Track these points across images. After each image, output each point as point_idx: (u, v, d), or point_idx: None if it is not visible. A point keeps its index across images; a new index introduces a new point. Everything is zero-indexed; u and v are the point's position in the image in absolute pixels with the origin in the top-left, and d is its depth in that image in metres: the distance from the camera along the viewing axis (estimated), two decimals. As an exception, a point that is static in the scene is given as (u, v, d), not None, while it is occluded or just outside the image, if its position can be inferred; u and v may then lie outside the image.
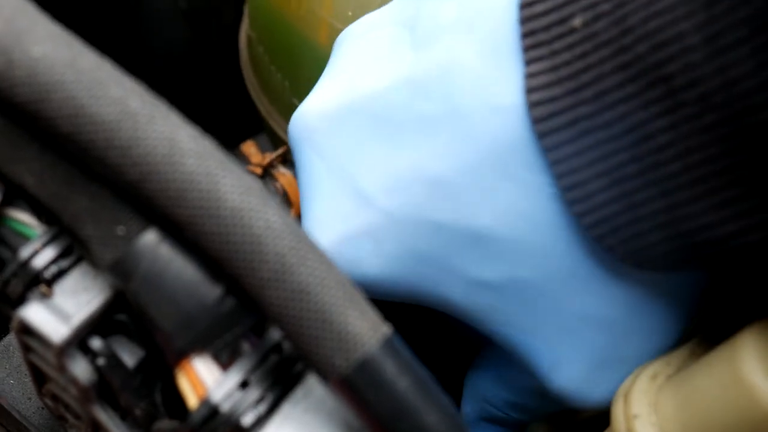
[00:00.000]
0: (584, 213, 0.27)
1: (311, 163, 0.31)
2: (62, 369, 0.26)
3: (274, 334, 0.25)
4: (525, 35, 0.27)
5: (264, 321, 0.25)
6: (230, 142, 0.44)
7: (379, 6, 0.42)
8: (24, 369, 0.35)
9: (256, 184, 0.23)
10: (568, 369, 0.30)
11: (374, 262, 0.30)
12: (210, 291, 0.24)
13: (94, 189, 0.24)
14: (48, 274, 0.26)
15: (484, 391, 0.35)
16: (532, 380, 0.31)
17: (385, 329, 0.23)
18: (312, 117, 0.32)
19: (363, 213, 0.29)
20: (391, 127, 0.29)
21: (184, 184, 0.22)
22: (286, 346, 0.25)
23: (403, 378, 0.22)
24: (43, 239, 0.26)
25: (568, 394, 0.30)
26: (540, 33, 0.26)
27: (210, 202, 0.22)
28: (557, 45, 0.26)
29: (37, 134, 0.24)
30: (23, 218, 0.26)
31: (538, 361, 0.30)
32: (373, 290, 0.29)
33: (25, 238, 0.26)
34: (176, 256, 0.24)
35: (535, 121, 0.26)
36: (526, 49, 0.27)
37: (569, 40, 0.26)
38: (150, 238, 0.24)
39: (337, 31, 0.44)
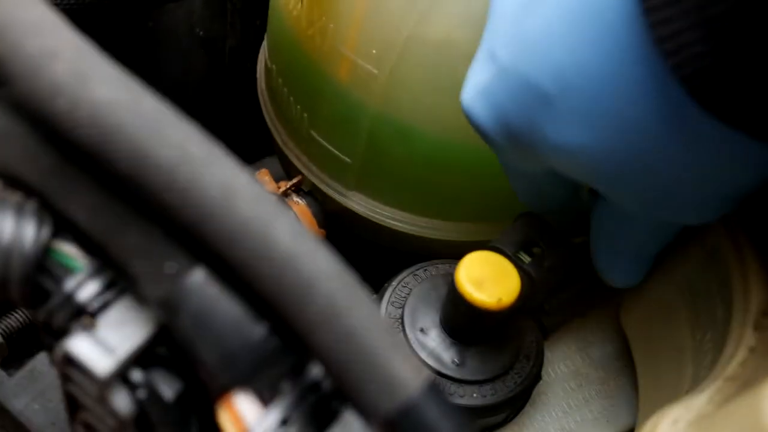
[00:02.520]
0: (679, 63, 0.27)
1: (486, 28, 0.36)
2: (103, 401, 0.26)
3: (314, 372, 0.26)
4: None
5: (304, 359, 0.26)
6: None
7: (403, 45, 0.43)
8: (48, 394, 0.36)
9: (306, 229, 0.24)
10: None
11: (489, 110, 0.35)
12: (255, 330, 0.24)
13: (144, 226, 0.25)
14: (92, 306, 0.26)
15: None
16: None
17: (427, 374, 0.23)
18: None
19: (488, 67, 0.35)
20: None
21: (238, 227, 0.23)
22: (325, 384, 0.26)
23: (445, 423, 0.23)
24: (88, 272, 0.26)
25: None
26: None
27: (262, 246, 0.23)
28: None
29: (92, 171, 0.25)
30: (69, 251, 0.27)
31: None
32: (495, 140, 0.36)
33: (70, 271, 0.27)
34: (223, 295, 0.24)
35: None
36: None
37: None
38: (198, 276, 0.24)
39: (359, 69, 0.45)
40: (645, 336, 0.47)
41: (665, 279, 0.45)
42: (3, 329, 0.44)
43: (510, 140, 0.35)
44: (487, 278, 0.39)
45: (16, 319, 0.45)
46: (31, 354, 0.36)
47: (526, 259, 0.41)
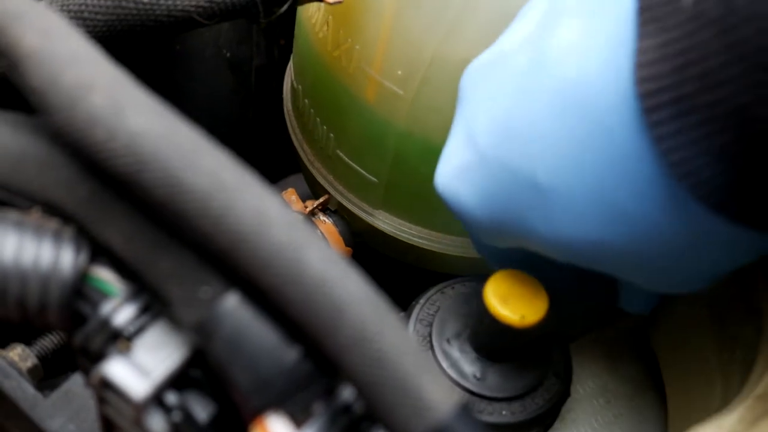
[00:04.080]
0: (694, 186, 0.27)
1: (457, 109, 0.36)
2: (138, 423, 0.27)
3: (345, 394, 0.26)
4: (642, 10, 0.27)
5: (336, 381, 0.26)
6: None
7: (428, 66, 0.44)
8: (83, 414, 0.36)
9: (337, 254, 0.24)
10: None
11: (470, 194, 0.34)
12: (288, 354, 0.25)
13: (178, 251, 0.25)
14: (128, 330, 0.27)
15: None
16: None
17: (458, 395, 0.24)
18: (467, 73, 0.37)
19: (467, 151, 0.34)
20: (506, 81, 0.33)
21: (271, 254, 0.23)
22: (356, 406, 0.26)
23: (476, 444, 0.23)
24: (124, 296, 0.27)
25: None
26: (655, 8, 0.27)
27: (295, 271, 0.23)
28: (669, 22, 0.26)
29: (127, 198, 0.25)
30: (105, 276, 0.27)
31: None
32: (475, 224, 0.35)
33: (106, 295, 0.27)
34: (256, 319, 0.25)
35: (642, 96, 0.27)
36: (640, 24, 0.27)
37: (680, 17, 0.26)
38: (232, 301, 0.25)
39: (385, 90, 0.46)
40: (674, 353, 0.47)
41: (692, 297, 0.45)
42: (38, 351, 0.45)
43: (492, 225, 0.35)
44: (515, 295, 0.39)
45: (50, 340, 0.46)
46: (66, 375, 0.37)
47: None
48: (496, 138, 0.33)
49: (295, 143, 0.57)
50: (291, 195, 0.59)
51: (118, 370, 0.26)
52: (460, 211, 0.36)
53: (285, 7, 0.41)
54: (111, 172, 0.24)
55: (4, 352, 0.44)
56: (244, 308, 0.25)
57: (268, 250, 0.23)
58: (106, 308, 0.27)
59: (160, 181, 0.23)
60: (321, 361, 0.25)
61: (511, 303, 0.38)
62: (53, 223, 0.27)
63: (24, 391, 0.37)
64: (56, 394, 0.36)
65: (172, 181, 0.23)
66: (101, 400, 0.28)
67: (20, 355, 0.43)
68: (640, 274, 0.34)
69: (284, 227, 0.24)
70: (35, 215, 0.27)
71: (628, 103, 0.28)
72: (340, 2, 0.44)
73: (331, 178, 0.54)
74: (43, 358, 0.45)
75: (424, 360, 0.24)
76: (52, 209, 0.27)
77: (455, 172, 0.35)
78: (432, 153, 0.47)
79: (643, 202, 0.29)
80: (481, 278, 0.40)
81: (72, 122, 0.24)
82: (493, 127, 0.33)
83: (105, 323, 0.27)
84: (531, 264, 0.40)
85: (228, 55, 0.64)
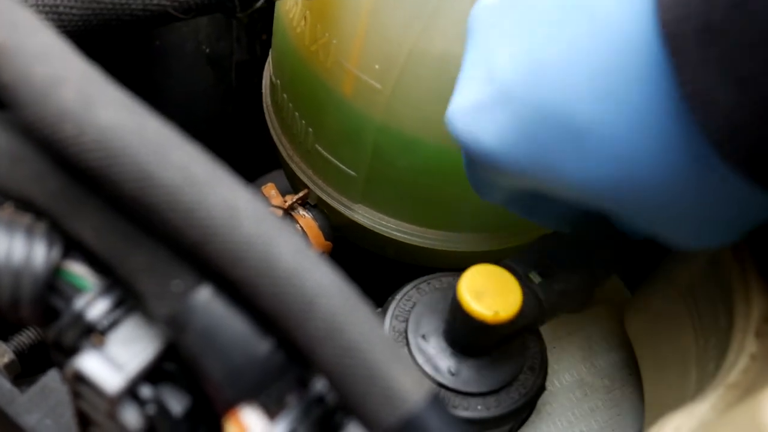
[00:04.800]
0: (708, 120, 0.27)
1: (469, 50, 0.35)
2: (113, 417, 0.27)
3: (318, 385, 0.26)
4: None
5: (309, 373, 0.26)
6: (247, 178, 0.45)
7: (405, 60, 0.44)
8: (60, 409, 0.36)
9: (308, 246, 0.24)
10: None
11: (490, 133, 0.33)
12: (260, 345, 0.25)
13: (150, 245, 0.26)
14: (101, 324, 0.27)
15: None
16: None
17: (428, 385, 0.24)
18: (477, 13, 0.35)
19: (487, 88, 0.33)
20: (532, 17, 0.32)
21: (242, 246, 0.24)
22: (329, 397, 0.26)
23: (446, 432, 0.23)
24: (97, 291, 0.27)
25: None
26: None
27: (265, 263, 0.24)
28: None
29: (99, 192, 0.25)
30: (78, 270, 0.27)
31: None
32: (492, 163, 0.34)
33: (79, 290, 0.27)
34: (229, 312, 0.25)
35: (664, 25, 0.27)
36: None
37: None
38: (204, 294, 0.25)
39: (362, 84, 0.46)
40: (650, 343, 0.48)
41: (668, 286, 0.46)
42: (15, 346, 0.45)
43: (511, 165, 0.34)
44: (489, 291, 0.39)
45: (27, 336, 0.46)
46: (42, 370, 0.37)
47: (536, 279, 0.42)
48: (524, 76, 0.31)
49: (275, 138, 0.57)
50: (271, 190, 0.59)
51: (91, 364, 0.26)
52: (476, 150, 0.34)
53: (261, 2, 0.41)
54: (82, 167, 0.24)
55: (-19, 348, 0.44)
56: (216, 301, 0.25)
57: (239, 243, 0.23)
58: (79, 303, 0.27)
59: (130, 175, 0.24)
60: (293, 353, 0.25)
61: (485, 299, 0.39)
62: (26, 218, 0.27)
63: (1, 387, 0.37)
64: (33, 390, 0.36)
65: (142, 175, 0.23)
66: (76, 395, 0.28)
67: (-3, 350, 0.43)
68: (654, 222, 0.33)
69: (255, 220, 0.24)
70: (7, 210, 0.27)
71: (653, 30, 0.27)
72: (316, -4, 0.44)
73: (310, 172, 0.55)
74: (19, 354, 0.45)
75: (395, 351, 0.24)
76: (24, 204, 0.27)
77: (472, 111, 0.33)
78: (410, 146, 0.48)
79: (663, 141, 0.29)
80: (457, 274, 0.40)
81: (42, 117, 0.24)
82: (520, 64, 0.31)
83: (78, 317, 0.27)
84: (531, 206, 0.40)
85: (207, 50, 0.64)
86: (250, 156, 0.67)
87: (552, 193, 0.34)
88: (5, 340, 0.45)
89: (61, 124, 0.24)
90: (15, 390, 0.36)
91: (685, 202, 0.31)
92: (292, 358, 0.25)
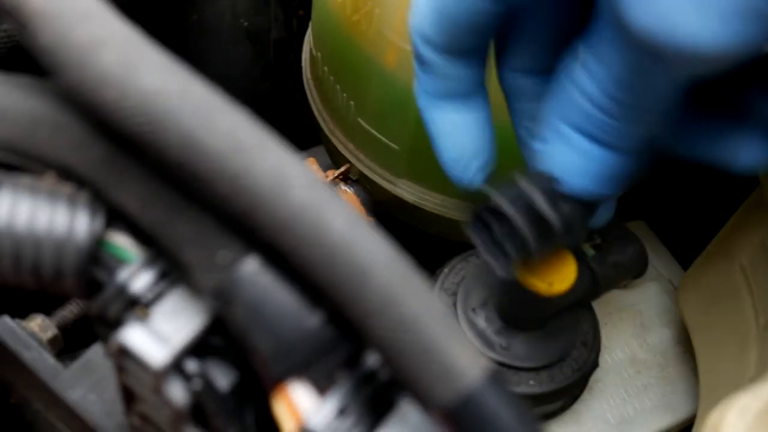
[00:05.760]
0: None
1: None
2: (158, 391, 0.26)
3: (370, 360, 0.25)
4: None
5: (360, 347, 0.25)
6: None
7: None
8: (103, 385, 0.36)
9: (361, 216, 0.23)
10: None
11: (704, 18, 0.26)
12: (310, 319, 0.24)
13: (196, 214, 0.25)
14: (146, 297, 0.26)
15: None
16: None
17: (485, 362, 0.23)
18: None
19: None
20: None
21: (291, 215, 0.22)
22: (381, 373, 0.25)
23: (505, 411, 0.22)
24: (141, 262, 0.26)
25: None
26: None
27: (316, 233, 0.22)
28: None
29: (143, 160, 0.25)
30: (121, 242, 0.27)
31: None
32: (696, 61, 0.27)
33: (123, 262, 0.27)
34: (277, 284, 0.24)
35: None
36: None
37: None
38: (252, 265, 0.24)
39: (406, 54, 0.45)
40: (704, 320, 0.46)
41: (724, 262, 0.44)
42: (58, 321, 0.45)
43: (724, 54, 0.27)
44: (543, 263, 0.38)
45: (70, 311, 0.46)
46: (86, 345, 0.37)
47: (590, 252, 0.40)
48: None
49: (315, 112, 0.57)
50: (312, 164, 0.58)
51: (136, 337, 0.25)
52: (678, 44, 0.27)
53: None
54: (124, 133, 0.23)
55: (24, 323, 0.43)
56: (265, 272, 0.24)
57: (289, 211, 0.22)
58: (122, 275, 0.26)
59: (174, 142, 0.23)
60: (345, 327, 0.24)
61: (539, 270, 0.37)
62: (67, 188, 0.26)
63: (44, 362, 0.36)
64: (76, 365, 0.36)
65: (187, 141, 0.23)
66: (120, 369, 0.27)
67: (40, 325, 0.43)
68: None
69: (305, 188, 0.23)
70: (49, 180, 0.26)
71: None
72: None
73: (352, 146, 0.54)
74: (63, 329, 0.45)
75: (452, 325, 0.23)
76: (66, 173, 0.26)
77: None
78: (455, 118, 0.46)
79: None
80: None
81: (83, 81, 0.23)
82: None
83: (122, 290, 0.26)
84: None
85: (246, 24, 0.63)
86: (289, 132, 0.66)
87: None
88: (48, 315, 0.45)
89: (102, 88, 0.23)
90: (58, 365, 0.36)
91: None
92: (343, 332, 0.24)
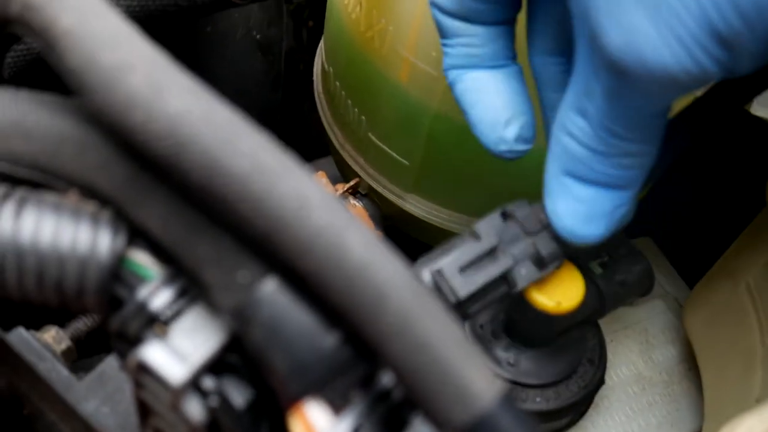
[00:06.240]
0: None
1: None
2: (175, 408, 0.26)
3: (384, 380, 0.26)
4: None
5: (375, 367, 0.26)
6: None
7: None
8: (117, 397, 0.36)
9: (379, 239, 0.24)
10: None
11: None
12: (326, 339, 0.24)
13: (216, 234, 0.25)
14: (165, 314, 0.27)
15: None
16: None
17: (500, 384, 0.23)
18: None
19: None
20: None
21: (312, 237, 0.23)
22: (395, 392, 0.26)
23: (519, 432, 0.23)
24: (161, 280, 0.27)
25: None
26: None
27: (336, 255, 0.23)
28: None
29: (165, 181, 0.25)
30: (142, 259, 0.27)
31: None
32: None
33: (143, 279, 0.27)
34: (295, 304, 0.24)
35: None
36: None
37: None
38: (270, 285, 0.24)
39: (419, 71, 0.45)
40: (710, 339, 0.47)
41: (731, 283, 0.44)
42: (72, 333, 0.45)
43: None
44: (550, 281, 0.38)
45: (84, 322, 0.46)
46: (99, 357, 0.37)
47: (597, 270, 0.41)
48: None
49: (326, 126, 0.57)
50: (321, 178, 0.58)
51: (155, 354, 0.26)
52: (648, 68, 0.27)
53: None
54: (149, 155, 0.24)
55: (38, 335, 0.44)
56: (283, 293, 0.24)
57: (309, 233, 0.23)
58: (143, 292, 0.27)
59: (199, 164, 0.23)
60: (360, 347, 0.25)
61: (547, 289, 0.38)
62: (91, 206, 0.27)
63: (58, 374, 0.37)
64: (90, 377, 0.36)
65: (211, 163, 0.23)
66: (138, 385, 0.28)
67: (54, 337, 0.43)
68: None
69: (325, 210, 0.23)
70: (73, 198, 0.27)
71: None
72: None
73: (361, 161, 0.54)
74: (76, 340, 0.45)
75: (468, 347, 0.23)
76: (89, 192, 0.26)
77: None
78: (467, 135, 0.47)
79: None
80: None
81: (110, 103, 0.23)
82: None
83: (142, 307, 0.26)
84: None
85: (258, 36, 0.64)
86: (296, 144, 0.67)
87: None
88: (62, 326, 0.45)
89: (129, 111, 0.23)
90: (72, 377, 0.36)
91: None
92: (359, 352, 0.25)
